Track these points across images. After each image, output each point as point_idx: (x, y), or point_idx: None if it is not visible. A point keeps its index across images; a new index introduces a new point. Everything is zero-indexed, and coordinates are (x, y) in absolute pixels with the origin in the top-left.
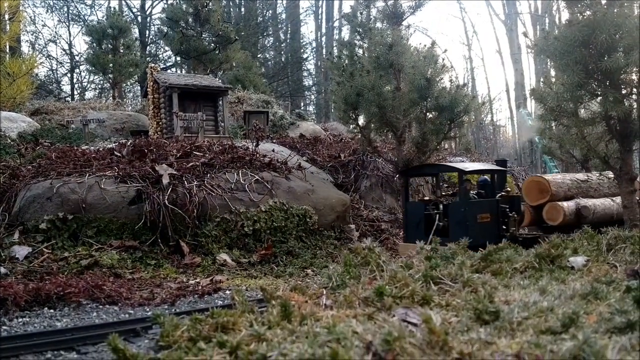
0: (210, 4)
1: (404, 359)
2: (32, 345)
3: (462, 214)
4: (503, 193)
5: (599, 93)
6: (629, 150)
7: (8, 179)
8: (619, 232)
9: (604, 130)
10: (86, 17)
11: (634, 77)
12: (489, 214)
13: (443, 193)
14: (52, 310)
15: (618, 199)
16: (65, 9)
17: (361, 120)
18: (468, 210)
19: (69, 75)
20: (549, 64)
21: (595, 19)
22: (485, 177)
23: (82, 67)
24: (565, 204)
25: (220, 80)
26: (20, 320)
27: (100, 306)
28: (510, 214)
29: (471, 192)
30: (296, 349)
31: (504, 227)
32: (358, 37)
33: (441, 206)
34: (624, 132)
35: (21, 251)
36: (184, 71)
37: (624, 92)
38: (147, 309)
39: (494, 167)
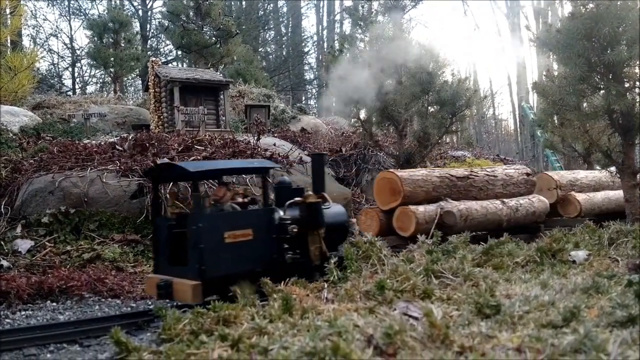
0: None
1: (405, 353)
2: (35, 338)
3: (196, 233)
4: (298, 199)
5: (601, 86)
6: (632, 144)
7: (10, 173)
8: (620, 226)
9: (606, 124)
10: (87, 11)
11: (637, 70)
12: (250, 231)
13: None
14: (54, 304)
15: (512, 202)
16: (66, 3)
17: (362, 114)
18: (206, 226)
19: (70, 69)
20: (551, 57)
21: (598, 12)
22: (285, 177)
23: (83, 61)
24: (421, 208)
25: (221, 74)
26: (23, 313)
27: (103, 299)
28: (315, 229)
29: (238, 199)
30: (297, 343)
31: (287, 245)
32: (359, 31)
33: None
34: (627, 125)
35: (23, 245)
36: (185, 65)
37: (626, 85)
38: (149, 302)
39: (259, 164)
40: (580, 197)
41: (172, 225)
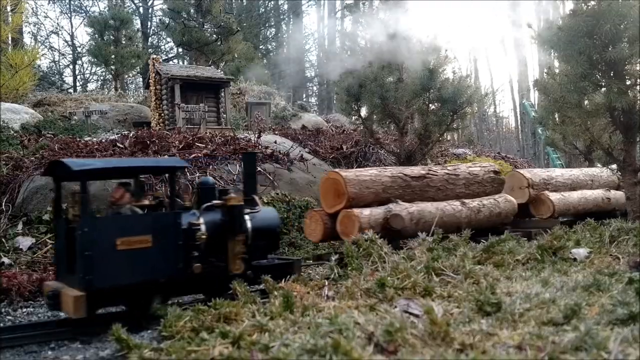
0: None
1: (406, 350)
2: (36, 335)
3: (82, 239)
4: (216, 202)
5: (603, 84)
6: (633, 141)
7: (11, 171)
8: (621, 224)
9: (607, 121)
10: (88, 9)
11: (639, 67)
12: (149, 237)
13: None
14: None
15: (474, 202)
16: (67, 0)
17: (363, 112)
18: (93, 231)
19: (71, 66)
20: (552, 54)
21: (599, 9)
22: (209, 178)
23: (84, 59)
24: (366, 211)
25: (222, 72)
26: (24, 310)
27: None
28: (234, 235)
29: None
30: (298, 340)
31: (196, 254)
32: (360, 28)
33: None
34: (628, 123)
35: (25, 242)
36: (185, 63)
37: (628, 83)
38: None
39: (165, 163)
40: (554, 196)
41: (71, 229)
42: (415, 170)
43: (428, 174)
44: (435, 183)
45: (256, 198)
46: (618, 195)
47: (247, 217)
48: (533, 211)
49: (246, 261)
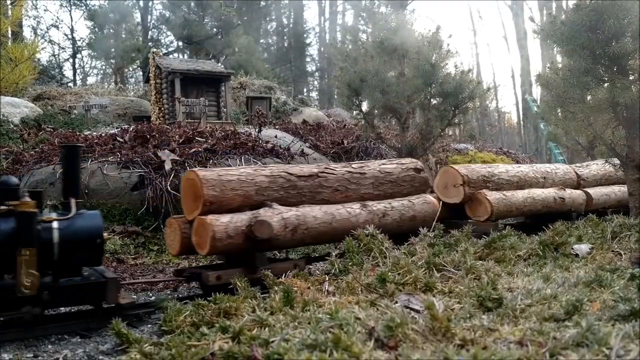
0: None
1: (407, 346)
2: (37, 329)
3: None
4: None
5: (606, 79)
6: (636, 137)
7: (11, 165)
8: (624, 219)
9: (610, 117)
10: (88, 2)
11: None
12: None
13: None
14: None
15: (380, 205)
16: None
17: (364, 107)
18: None
19: (71, 60)
20: (555, 49)
21: (603, 3)
22: (10, 177)
23: (84, 52)
24: (225, 218)
25: (222, 66)
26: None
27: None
28: (23, 249)
29: None
30: (298, 335)
31: None
32: (362, 22)
33: None
34: (631, 118)
35: None
36: (186, 56)
37: (631, 78)
38: (150, 294)
39: None
40: (493, 196)
41: None
42: (305, 168)
43: (322, 172)
44: (331, 183)
45: (73, 201)
46: (575, 194)
47: (55, 224)
48: (469, 212)
49: (54, 279)
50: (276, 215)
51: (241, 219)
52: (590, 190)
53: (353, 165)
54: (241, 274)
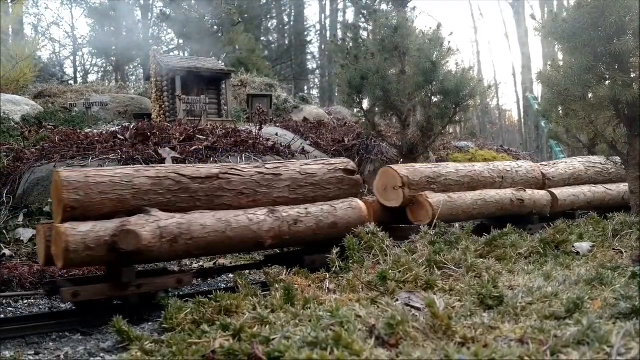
0: None
1: (407, 343)
2: (38, 326)
3: None
4: None
5: (607, 77)
6: (637, 135)
7: (12, 162)
8: (625, 217)
9: (611, 114)
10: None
11: None
12: None
13: None
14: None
15: (293, 210)
16: None
17: (365, 104)
18: None
19: (71, 58)
20: (556, 47)
21: (604, 1)
22: None
23: (84, 50)
24: (85, 226)
25: (223, 63)
26: (25, 301)
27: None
28: None
29: None
30: (299, 332)
31: None
32: (363, 20)
33: None
34: (632, 116)
35: (26, 234)
36: (186, 54)
37: (632, 75)
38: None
39: None
40: (437, 198)
41: None
42: (203, 168)
43: (224, 173)
44: (235, 185)
45: None
46: (538, 195)
47: None
48: (410, 217)
49: None
50: (150, 224)
51: (106, 227)
52: (556, 191)
53: (267, 166)
54: (107, 290)
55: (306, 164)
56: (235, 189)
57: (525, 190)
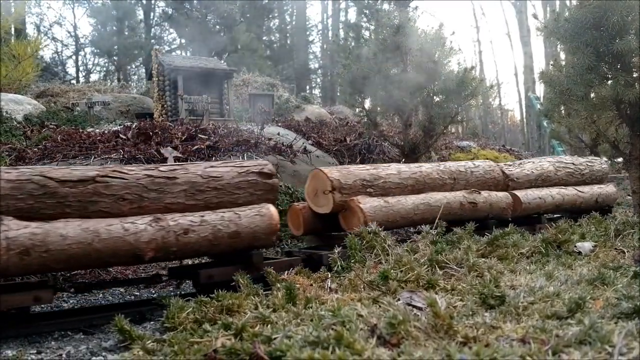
0: None
1: (409, 343)
2: (39, 325)
3: None
4: None
5: (609, 76)
6: (639, 134)
7: (14, 161)
8: (627, 217)
9: (614, 114)
10: None
11: None
12: None
13: None
14: (58, 292)
15: (186, 219)
16: None
17: (367, 104)
18: None
19: (74, 57)
20: (558, 46)
21: (607, 1)
22: None
23: (87, 50)
24: None
25: (225, 63)
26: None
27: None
28: None
29: None
30: (301, 332)
31: None
32: (365, 19)
33: None
34: (634, 116)
35: None
36: (188, 53)
37: (635, 75)
38: (153, 291)
39: None
40: (370, 203)
41: None
42: (78, 171)
43: (103, 176)
44: (115, 190)
45: None
46: (495, 198)
47: None
48: (343, 224)
49: None
50: None
51: None
52: (520, 193)
53: (161, 168)
54: None
55: (212, 166)
56: (115, 194)
57: (479, 193)
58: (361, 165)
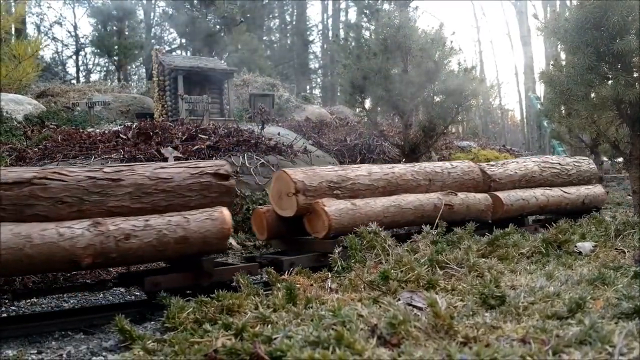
0: None
1: (409, 343)
2: (40, 325)
3: None
4: None
5: (610, 76)
6: (639, 134)
7: (15, 161)
8: (627, 217)
9: (614, 114)
10: None
11: None
12: None
13: None
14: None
15: (128, 223)
16: None
17: (367, 104)
18: None
19: (74, 57)
20: (559, 46)
21: (607, 1)
22: None
23: (87, 49)
24: None
25: (225, 63)
26: (28, 301)
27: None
28: None
29: None
30: (301, 332)
31: None
32: (365, 19)
33: None
34: (635, 116)
35: None
36: (189, 53)
37: (635, 75)
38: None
39: None
40: (335, 206)
41: None
42: (12, 173)
43: (41, 178)
44: (55, 193)
45: None
46: (474, 199)
47: None
48: (308, 227)
49: None
50: None
51: None
52: (502, 194)
53: (105, 169)
54: None
55: (162, 167)
56: (53, 196)
57: (456, 194)
58: (329, 167)
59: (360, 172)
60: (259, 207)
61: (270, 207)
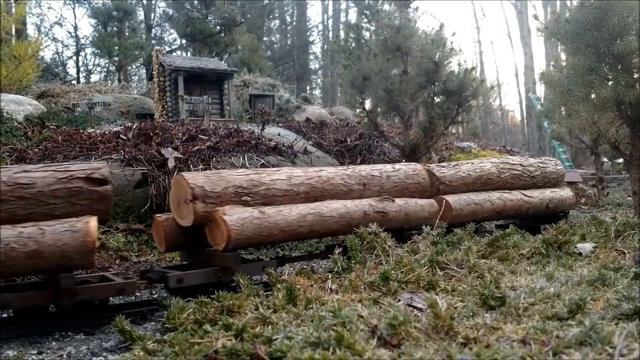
0: None
1: (409, 344)
2: (40, 325)
3: None
4: None
5: (610, 77)
6: None
7: (15, 162)
8: (627, 218)
9: (614, 115)
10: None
11: None
12: None
13: None
14: None
15: None
16: None
17: (368, 105)
18: None
19: (74, 58)
20: (559, 47)
21: (607, 1)
22: None
23: (87, 50)
24: None
25: (225, 64)
26: None
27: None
28: None
29: None
30: (301, 332)
31: None
32: (365, 20)
33: None
34: (635, 117)
35: None
36: (189, 54)
37: (635, 76)
38: (154, 292)
39: None
40: (240, 215)
41: None
42: None
43: None
44: None
45: None
46: (415, 205)
47: None
48: (209, 238)
49: None
50: None
51: None
52: (451, 198)
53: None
54: None
55: (25, 171)
56: None
57: (393, 200)
58: (240, 170)
59: (278, 176)
60: (158, 215)
61: (170, 216)
